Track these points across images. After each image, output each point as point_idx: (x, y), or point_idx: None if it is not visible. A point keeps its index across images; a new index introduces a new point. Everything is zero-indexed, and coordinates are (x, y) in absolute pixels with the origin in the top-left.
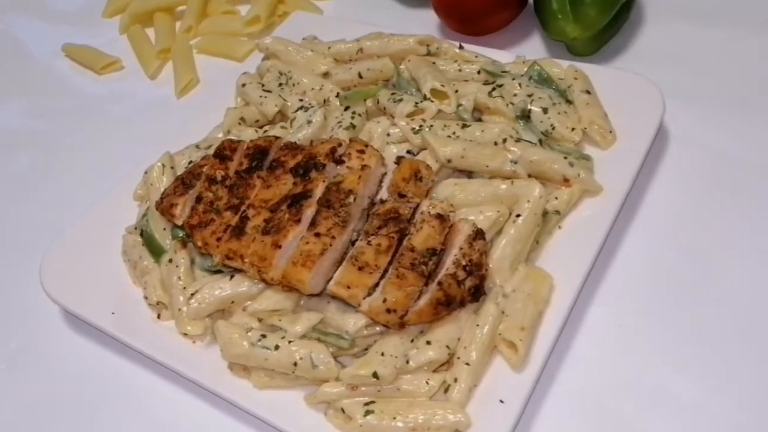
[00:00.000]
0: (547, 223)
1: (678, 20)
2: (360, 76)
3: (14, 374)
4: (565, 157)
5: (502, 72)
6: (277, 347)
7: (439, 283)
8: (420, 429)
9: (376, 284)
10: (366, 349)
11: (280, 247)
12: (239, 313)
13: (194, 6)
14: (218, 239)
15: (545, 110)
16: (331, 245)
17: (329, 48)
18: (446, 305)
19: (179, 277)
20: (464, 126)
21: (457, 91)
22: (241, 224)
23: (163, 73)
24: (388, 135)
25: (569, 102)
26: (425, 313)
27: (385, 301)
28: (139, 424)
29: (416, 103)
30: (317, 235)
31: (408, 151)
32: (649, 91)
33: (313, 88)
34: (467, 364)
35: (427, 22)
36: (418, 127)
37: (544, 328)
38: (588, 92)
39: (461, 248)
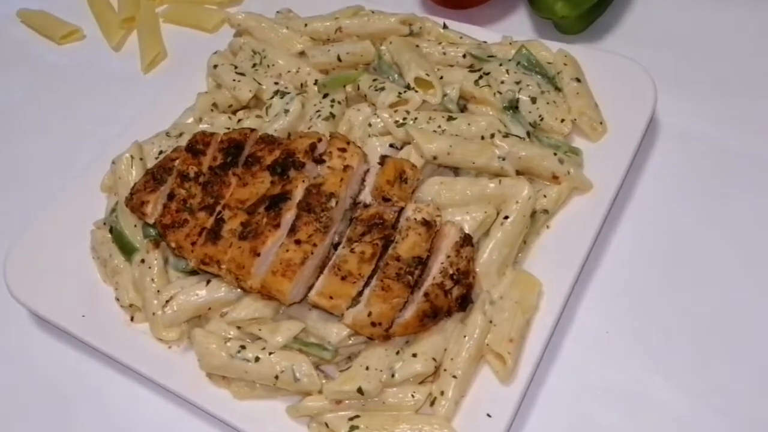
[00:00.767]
0: (535, 223)
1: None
2: (339, 59)
3: None
4: (555, 153)
5: (489, 56)
6: (257, 359)
7: (426, 294)
8: None
9: (360, 293)
10: (349, 358)
11: (258, 254)
12: (216, 319)
13: None
14: (193, 243)
15: (534, 100)
16: (312, 253)
17: (305, 25)
18: (433, 317)
19: (152, 279)
20: (450, 119)
21: (441, 78)
22: (217, 227)
23: (128, 44)
24: (370, 125)
25: (558, 89)
26: (411, 325)
27: (369, 314)
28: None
29: (399, 93)
30: (297, 242)
31: (391, 145)
32: (640, 78)
33: (289, 71)
34: (454, 377)
35: None
36: (401, 120)
37: (532, 335)
38: (578, 80)
39: (448, 256)
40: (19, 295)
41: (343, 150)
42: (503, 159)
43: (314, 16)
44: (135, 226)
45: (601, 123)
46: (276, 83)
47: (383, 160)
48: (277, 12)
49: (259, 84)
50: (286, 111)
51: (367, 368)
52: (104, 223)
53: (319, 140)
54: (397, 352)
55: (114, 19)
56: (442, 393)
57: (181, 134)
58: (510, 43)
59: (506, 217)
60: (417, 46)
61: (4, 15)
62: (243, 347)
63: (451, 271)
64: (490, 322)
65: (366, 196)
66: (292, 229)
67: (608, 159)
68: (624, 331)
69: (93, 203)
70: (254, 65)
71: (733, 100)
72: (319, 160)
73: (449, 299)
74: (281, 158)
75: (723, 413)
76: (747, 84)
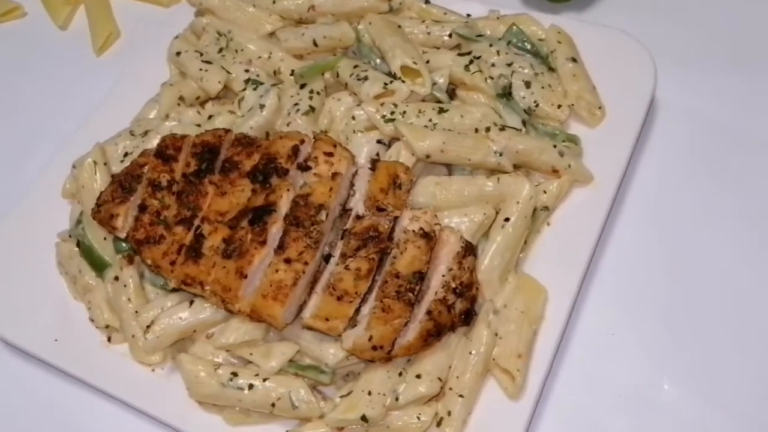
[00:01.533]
0: (536, 221)
1: None
2: (315, 44)
3: None
4: (555, 146)
5: (477, 36)
6: (251, 386)
7: (429, 312)
8: None
9: (356, 310)
10: (348, 375)
11: (245, 276)
12: (202, 341)
13: None
14: (172, 263)
15: (527, 84)
16: (304, 272)
17: (274, 2)
18: (437, 335)
19: (129, 299)
20: (441, 111)
21: (428, 62)
22: (197, 243)
23: (75, 22)
24: (353, 119)
25: (552, 70)
26: (414, 346)
27: (370, 338)
28: None
29: (385, 83)
30: (287, 261)
31: (378, 141)
32: (639, 55)
33: (260, 57)
34: (461, 395)
35: None
36: (389, 115)
37: (539, 346)
38: (574, 60)
39: (450, 269)
40: None
41: (330, 154)
42: (500, 154)
43: None
44: (105, 239)
45: (599, 108)
46: (246, 70)
47: (374, 164)
48: None
49: (228, 72)
50: (262, 106)
51: (369, 393)
52: (70, 235)
53: (302, 141)
54: (400, 374)
55: None
56: (449, 413)
57: (146, 132)
58: (498, 18)
59: (507, 219)
60: (399, 26)
61: None
62: (235, 374)
63: (453, 285)
64: (496, 334)
65: (357, 203)
66: (280, 246)
67: (608, 147)
68: (630, 331)
69: (55, 211)
70: (220, 50)
71: (733, 73)
72: (304, 167)
73: (452, 314)
74: (262, 164)
75: (731, 415)
76: (748, 55)
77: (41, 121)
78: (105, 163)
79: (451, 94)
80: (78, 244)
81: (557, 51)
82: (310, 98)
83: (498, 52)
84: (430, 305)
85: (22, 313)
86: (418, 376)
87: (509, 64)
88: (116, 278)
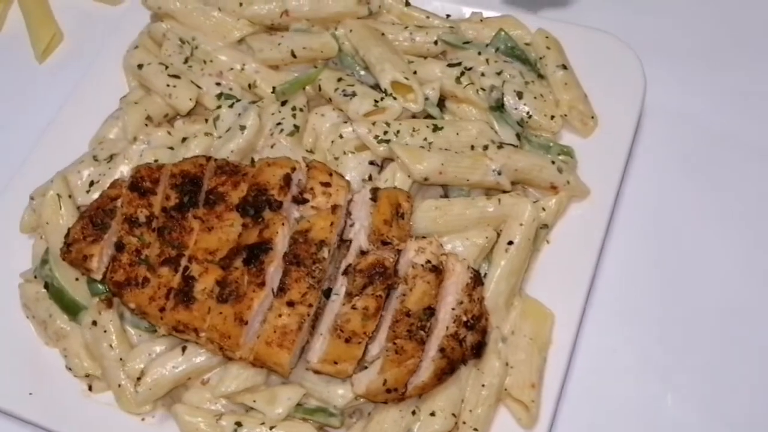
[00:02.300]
0: (536, 240)
1: None
2: (293, 55)
3: None
4: (553, 162)
5: (464, 43)
6: None
7: (442, 350)
8: None
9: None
10: (354, 413)
11: (246, 322)
12: (198, 387)
13: None
14: (161, 309)
15: (519, 94)
16: (308, 315)
17: (240, 4)
18: (450, 372)
19: (111, 345)
20: (436, 128)
21: (415, 73)
22: (187, 287)
23: (9, 23)
24: (341, 137)
25: (541, 76)
26: (429, 386)
27: (384, 382)
28: None
29: (376, 101)
30: (290, 304)
31: (371, 162)
32: (627, 60)
33: (232, 68)
34: (475, 429)
35: None
36: (382, 135)
37: (548, 371)
38: (564, 67)
39: (461, 301)
40: None
41: (327, 184)
42: (498, 173)
43: None
44: (77, 279)
45: (592, 117)
46: (218, 84)
47: (375, 193)
48: None
49: (198, 87)
50: (242, 127)
51: None
52: (35, 276)
53: (293, 169)
54: (413, 412)
55: None
56: None
57: (111, 157)
58: (481, 21)
59: (510, 242)
60: (383, 34)
61: None
62: (239, 424)
63: (464, 318)
64: (506, 364)
65: (357, 236)
66: (282, 288)
67: (601, 158)
68: (631, 347)
69: (13, 248)
70: (186, 60)
71: (721, 71)
72: (300, 200)
73: (464, 348)
74: (251, 196)
75: (734, 423)
76: (735, 52)
77: None
78: (69, 196)
79: (440, 105)
80: (46, 286)
81: (546, 57)
82: (293, 116)
83: (487, 61)
84: (442, 342)
85: None
86: (432, 414)
87: (498, 73)
88: (94, 323)
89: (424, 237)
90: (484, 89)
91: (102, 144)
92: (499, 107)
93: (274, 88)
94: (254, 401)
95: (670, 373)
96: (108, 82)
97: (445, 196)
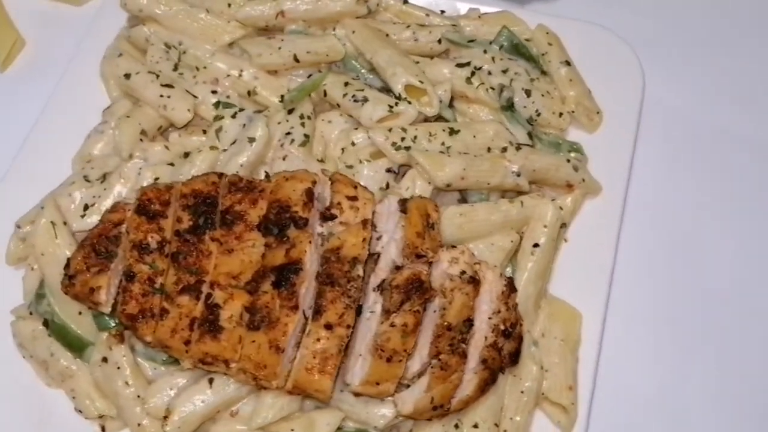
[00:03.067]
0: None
1: None
2: (296, 59)
3: None
4: (568, 160)
5: (469, 42)
6: None
7: (484, 361)
8: None
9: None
10: (392, 429)
11: (282, 350)
12: (226, 419)
13: None
14: (186, 342)
15: (528, 93)
16: (348, 337)
17: (229, 5)
18: (493, 382)
19: (126, 382)
20: (452, 132)
21: (423, 73)
22: (212, 315)
23: None
24: (353, 144)
25: (544, 73)
26: (473, 398)
27: (432, 400)
28: None
29: (390, 106)
30: (328, 326)
31: (388, 170)
32: (624, 54)
33: (229, 74)
34: None
35: None
36: (400, 141)
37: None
38: (567, 63)
39: (498, 310)
40: None
41: (354, 198)
42: (518, 174)
43: None
44: (80, 313)
45: (597, 113)
46: (214, 92)
47: (404, 206)
48: None
49: (194, 96)
50: (251, 139)
51: None
52: (30, 312)
53: (314, 183)
54: (456, 425)
55: None
56: None
57: (104, 177)
58: (479, 17)
59: (536, 245)
60: (387, 35)
61: None
62: None
63: (502, 327)
64: (541, 367)
65: (387, 249)
66: (317, 310)
67: (607, 153)
68: (649, 341)
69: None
70: (175, 67)
71: (713, 65)
72: (328, 216)
73: (502, 356)
74: (273, 213)
75: (756, 418)
76: (725, 47)
77: None
78: (64, 222)
79: (449, 106)
80: (45, 323)
81: (549, 54)
82: (302, 125)
83: (493, 59)
84: (482, 353)
85: None
86: (475, 426)
87: (505, 71)
88: (104, 359)
89: (453, 246)
90: (493, 88)
91: (91, 162)
92: (509, 106)
93: (282, 96)
94: (292, 430)
95: (690, 364)
96: (84, 92)
97: (462, 200)
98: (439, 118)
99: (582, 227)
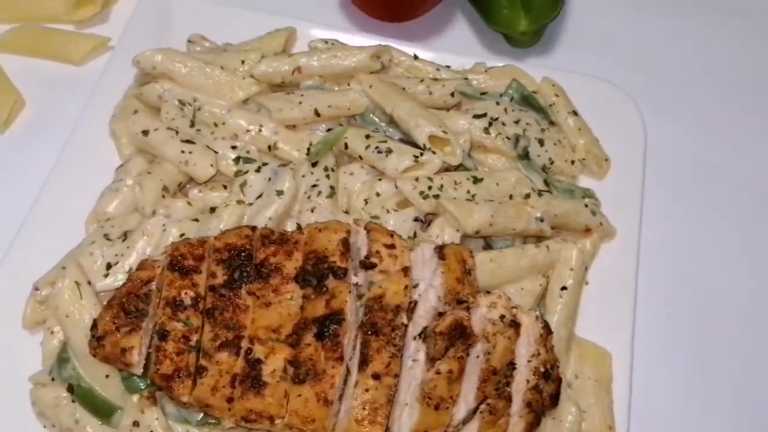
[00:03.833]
0: None
1: (605, 5)
2: (317, 114)
3: None
4: (586, 205)
5: (481, 94)
6: None
7: (528, 404)
8: None
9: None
10: None
11: (330, 402)
12: None
13: None
14: (229, 399)
15: (541, 142)
16: (395, 386)
17: (243, 62)
18: (537, 425)
19: None
20: (476, 180)
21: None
22: (254, 371)
23: None
24: (378, 195)
25: (552, 123)
26: None
27: None
28: None
29: (416, 156)
30: (376, 376)
31: (415, 219)
32: (624, 104)
33: (248, 130)
34: None
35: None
36: (427, 190)
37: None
38: (575, 113)
39: (537, 353)
40: None
41: (391, 246)
42: (541, 220)
43: (239, 44)
44: (107, 377)
45: (606, 160)
46: (233, 147)
47: (441, 252)
48: (189, 41)
49: (215, 152)
50: (279, 192)
51: None
52: (52, 378)
53: (348, 233)
54: None
55: None
56: None
57: (125, 235)
58: (486, 71)
59: (563, 288)
60: (403, 88)
61: None
62: None
63: (542, 369)
64: (579, 408)
65: (426, 296)
66: (363, 360)
67: (618, 198)
68: (675, 379)
69: (14, 348)
70: (192, 123)
71: (704, 111)
72: (369, 265)
73: (543, 399)
74: (310, 264)
75: None
76: (707, 91)
77: None
78: (88, 282)
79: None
80: (70, 388)
81: (557, 105)
82: (327, 177)
83: (505, 110)
84: (525, 395)
85: None
86: None
87: (516, 122)
88: (135, 424)
89: (488, 291)
90: (509, 138)
91: (110, 221)
92: (525, 155)
93: (308, 149)
94: None
95: (714, 393)
96: (94, 151)
97: (487, 246)
98: (459, 167)
99: (601, 270)
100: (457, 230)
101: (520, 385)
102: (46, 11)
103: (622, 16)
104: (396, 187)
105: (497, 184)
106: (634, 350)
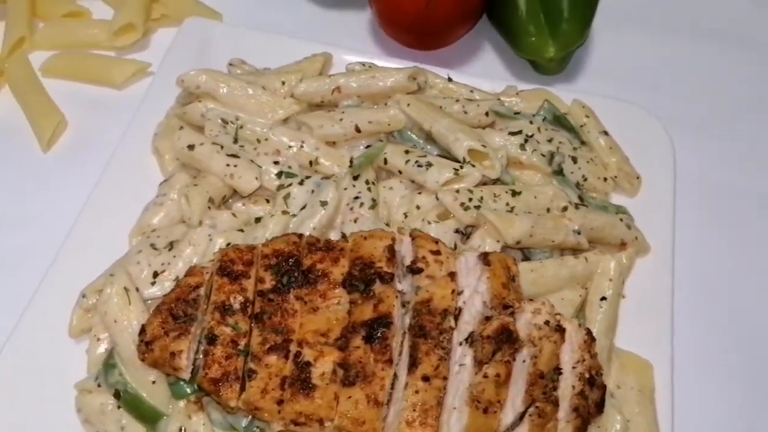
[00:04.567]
0: None
1: (628, 32)
2: (357, 130)
3: None
4: (621, 219)
5: (515, 113)
6: None
7: (575, 409)
8: None
9: None
10: None
11: (381, 403)
12: None
13: (20, 4)
14: (279, 402)
15: (574, 159)
16: (445, 389)
17: (283, 83)
18: (584, 431)
19: None
20: (514, 193)
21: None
22: (303, 374)
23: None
24: (418, 208)
25: (583, 143)
26: None
27: None
28: None
29: (456, 169)
30: (425, 378)
31: (456, 230)
32: (652, 126)
33: (290, 146)
34: None
35: (349, 25)
36: (467, 202)
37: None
38: (605, 133)
39: (582, 359)
40: None
41: (437, 252)
42: (578, 233)
43: (278, 68)
44: (154, 383)
45: (637, 178)
46: (276, 162)
47: (486, 259)
48: (230, 64)
49: (259, 166)
50: (324, 203)
51: None
52: (98, 384)
53: (393, 240)
54: None
55: None
56: None
57: (171, 245)
58: (517, 94)
59: (603, 298)
60: (440, 107)
61: None
62: None
63: (587, 375)
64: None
65: (471, 302)
66: (413, 363)
67: (650, 215)
68: (717, 390)
69: (59, 355)
70: (235, 140)
71: (730, 134)
72: (416, 270)
73: (589, 405)
74: (357, 270)
75: None
76: (732, 115)
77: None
78: (137, 289)
79: None
80: (116, 394)
81: (587, 125)
82: (369, 189)
83: (539, 129)
84: (572, 401)
85: None
86: None
87: (549, 140)
88: (182, 430)
89: (530, 299)
90: (544, 155)
91: (156, 232)
92: (560, 171)
93: (351, 161)
94: None
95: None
96: (136, 169)
97: (525, 259)
98: (496, 182)
99: (637, 284)
100: (498, 241)
101: (566, 390)
102: (89, 38)
103: (646, 44)
104: (437, 199)
105: (535, 197)
106: (674, 362)
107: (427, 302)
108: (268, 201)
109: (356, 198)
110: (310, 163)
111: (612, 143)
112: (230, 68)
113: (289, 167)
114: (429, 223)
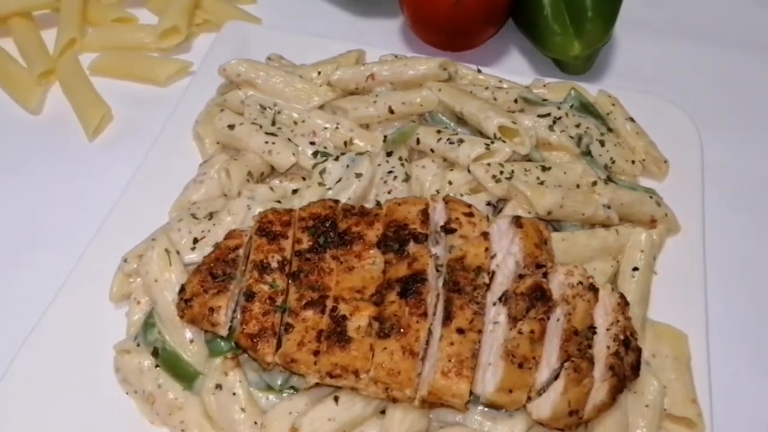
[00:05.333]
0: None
1: (653, 34)
2: (391, 111)
3: None
4: (651, 196)
5: (543, 100)
6: None
7: (611, 368)
8: None
9: None
10: None
11: (415, 354)
12: None
13: (72, 10)
14: (315, 353)
15: (602, 142)
16: (479, 342)
17: (318, 73)
18: (621, 390)
19: (243, 409)
20: (544, 168)
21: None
22: (339, 327)
23: (50, 104)
24: (450, 183)
25: (610, 130)
26: (606, 405)
27: (569, 403)
28: None
29: (487, 144)
30: (460, 331)
31: (488, 203)
32: (677, 115)
33: (325, 128)
34: None
35: (380, 30)
36: (499, 174)
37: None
38: (632, 119)
39: (617, 320)
40: None
41: (470, 215)
42: (608, 207)
43: (315, 63)
44: (192, 341)
45: (665, 162)
46: (312, 143)
47: (518, 222)
48: (268, 58)
49: (296, 145)
50: (358, 174)
51: None
52: (137, 344)
53: (426, 205)
54: None
55: (23, 74)
56: None
57: (211, 215)
58: (544, 85)
59: (635, 269)
60: (471, 92)
61: None
62: None
63: (622, 337)
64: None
65: (504, 263)
66: (448, 316)
67: (679, 198)
68: (752, 369)
69: (99, 319)
70: (274, 122)
71: (752, 130)
72: (449, 230)
73: (624, 367)
74: (391, 231)
75: None
76: (758, 118)
77: (44, 215)
78: (178, 252)
79: None
80: (155, 353)
81: (614, 113)
82: (402, 165)
83: (567, 114)
84: (608, 360)
85: None
86: None
87: (577, 125)
88: (218, 386)
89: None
90: (572, 137)
91: (196, 204)
92: (588, 152)
93: (385, 136)
94: None
95: None
96: (177, 152)
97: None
98: (526, 159)
99: (668, 261)
100: (529, 212)
101: (601, 351)
102: (135, 41)
103: (671, 44)
104: (468, 172)
105: (565, 173)
106: (709, 332)
107: (461, 259)
108: (304, 179)
109: (390, 172)
110: (345, 143)
111: (638, 129)
112: (269, 62)
113: (325, 147)
114: (461, 195)
